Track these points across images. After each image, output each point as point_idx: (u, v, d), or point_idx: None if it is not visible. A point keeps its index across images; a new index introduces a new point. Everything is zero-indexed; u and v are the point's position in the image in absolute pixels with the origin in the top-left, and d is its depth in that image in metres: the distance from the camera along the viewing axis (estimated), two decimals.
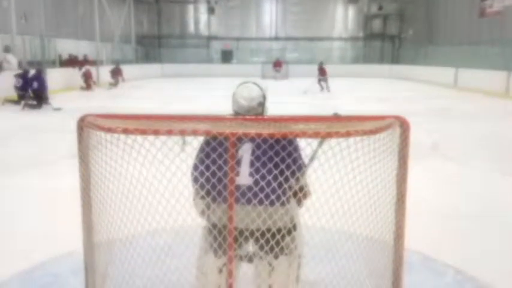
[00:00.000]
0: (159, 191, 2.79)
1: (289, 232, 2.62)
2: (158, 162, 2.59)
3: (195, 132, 2.22)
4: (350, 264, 3.15)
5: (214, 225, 2.58)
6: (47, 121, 12.15)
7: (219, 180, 2.38)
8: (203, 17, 38.68)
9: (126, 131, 2.24)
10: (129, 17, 33.31)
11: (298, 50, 37.60)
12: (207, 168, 2.47)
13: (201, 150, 2.66)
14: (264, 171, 2.45)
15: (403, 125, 2.56)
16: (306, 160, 2.78)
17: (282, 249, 2.61)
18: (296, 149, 2.64)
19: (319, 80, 21.76)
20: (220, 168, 2.35)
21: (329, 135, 2.28)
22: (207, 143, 2.66)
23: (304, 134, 2.30)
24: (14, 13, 18.23)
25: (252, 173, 2.54)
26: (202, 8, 38.51)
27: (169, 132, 2.20)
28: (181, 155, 2.62)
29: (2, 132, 10.37)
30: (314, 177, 3.03)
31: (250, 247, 2.73)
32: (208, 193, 2.53)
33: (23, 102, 14.25)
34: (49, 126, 11.20)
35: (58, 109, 13.80)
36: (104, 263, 2.87)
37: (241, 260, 2.72)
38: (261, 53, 36.79)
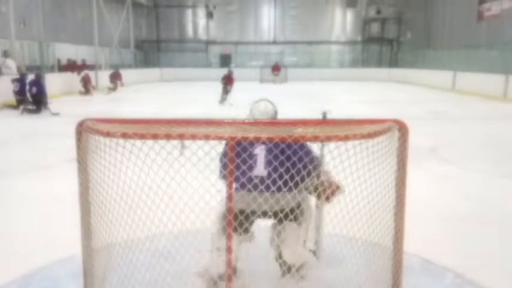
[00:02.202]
0: (158, 195, 2.79)
1: (292, 211, 2.97)
2: (157, 166, 2.59)
3: (193, 137, 2.22)
4: (350, 267, 3.15)
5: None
6: (46, 126, 12.14)
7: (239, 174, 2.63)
8: (201, 21, 38.69)
9: (124, 136, 2.24)
10: (128, 21, 33.29)
11: (296, 54, 37.62)
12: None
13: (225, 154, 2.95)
14: (274, 165, 2.85)
15: (402, 129, 2.57)
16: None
17: (290, 220, 3.03)
18: (302, 147, 2.91)
19: (226, 91, 17.58)
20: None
21: (328, 139, 2.28)
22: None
23: (303, 138, 2.31)
24: (12, 18, 18.23)
25: (266, 166, 3.01)
26: (201, 13, 38.52)
27: (168, 137, 2.20)
28: (180, 159, 2.62)
29: (0, 136, 10.37)
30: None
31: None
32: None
33: (21, 107, 14.27)
34: (48, 131, 11.19)
35: (56, 114, 13.80)
36: (102, 267, 2.87)
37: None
38: (260, 57, 36.75)
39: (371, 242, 2.88)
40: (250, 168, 2.91)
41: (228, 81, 17.75)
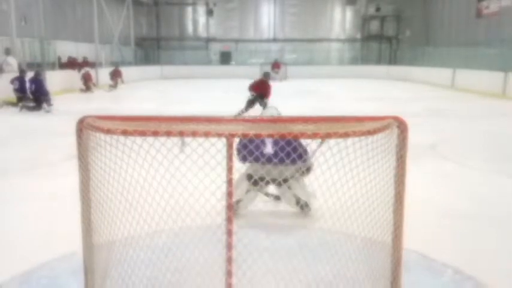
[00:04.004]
0: (158, 192, 2.80)
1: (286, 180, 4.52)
2: (157, 163, 2.60)
3: (194, 134, 2.23)
4: (349, 264, 3.16)
5: (249, 175, 4.40)
6: (46, 123, 12.15)
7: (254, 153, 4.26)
8: (202, 19, 38.68)
9: (125, 133, 2.25)
10: (128, 19, 33.29)
11: (296, 52, 37.63)
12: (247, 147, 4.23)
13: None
14: (279, 146, 4.15)
15: (401, 126, 2.58)
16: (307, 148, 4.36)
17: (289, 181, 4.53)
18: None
19: (254, 103, 12.28)
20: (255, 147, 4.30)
21: (328, 135, 2.29)
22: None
23: (302, 135, 2.32)
24: (13, 16, 18.23)
25: (273, 147, 4.36)
26: (201, 10, 38.51)
27: (168, 134, 2.21)
28: (180, 156, 2.63)
29: (0, 134, 10.38)
30: (313, 177, 3.05)
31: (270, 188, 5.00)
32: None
33: (20, 104, 14.32)
34: (48, 129, 11.19)
35: (48, 111, 14.01)
36: (103, 264, 2.88)
37: (267, 196, 5.11)
38: (260, 55, 36.74)
39: (370, 239, 2.90)
40: (262, 148, 4.39)
41: (263, 91, 12.23)
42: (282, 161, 4.07)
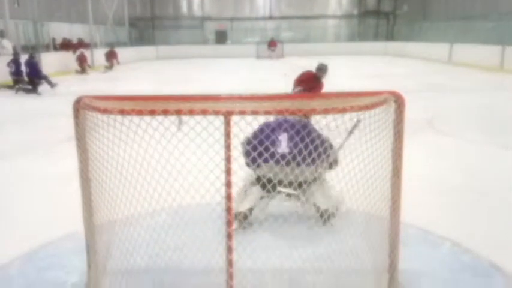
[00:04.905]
0: (157, 170, 2.82)
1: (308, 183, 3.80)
2: (155, 142, 2.61)
3: (191, 112, 2.23)
4: (347, 238, 3.20)
5: (263, 176, 3.75)
6: (43, 105, 12.11)
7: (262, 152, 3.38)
8: None
9: (122, 112, 2.24)
10: None
11: (292, 29, 37.36)
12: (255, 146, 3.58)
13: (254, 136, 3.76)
14: (292, 144, 3.66)
15: (398, 100, 2.58)
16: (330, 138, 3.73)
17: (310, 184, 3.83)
18: (310, 132, 3.50)
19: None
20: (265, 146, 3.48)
21: (326, 111, 2.30)
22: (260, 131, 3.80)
23: (300, 111, 2.33)
24: None
25: (288, 146, 3.72)
26: None
27: (166, 112, 2.21)
28: (178, 135, 2.64)
29: None
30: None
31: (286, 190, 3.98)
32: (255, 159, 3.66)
33: (16, 87, 14.30)
34: (45, 110, 11.15)
35: (55, 84, 14.49)
36: (105, 242, 2.90)
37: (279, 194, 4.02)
38: (256, 33, 36.53)
39: (368, 213, 2.92)
40: (277, 147, 3.74)
41: (312, 88, 8.33)
42: (296, 161, 3.37)
